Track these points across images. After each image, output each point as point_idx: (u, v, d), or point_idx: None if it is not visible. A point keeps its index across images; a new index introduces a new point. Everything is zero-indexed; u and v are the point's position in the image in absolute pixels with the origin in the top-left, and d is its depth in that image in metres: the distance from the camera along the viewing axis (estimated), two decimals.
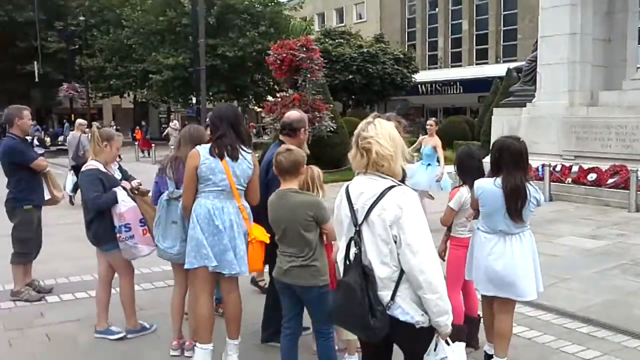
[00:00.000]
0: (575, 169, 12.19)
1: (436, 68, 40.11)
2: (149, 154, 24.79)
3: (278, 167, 3.58)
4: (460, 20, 38.99)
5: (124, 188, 4.64)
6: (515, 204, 3.73)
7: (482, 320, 4.36)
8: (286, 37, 18.85)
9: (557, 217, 10.04)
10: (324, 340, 3.60)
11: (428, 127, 9.49)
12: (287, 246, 3.53)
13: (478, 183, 3.91)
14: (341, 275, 2.78)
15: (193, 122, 15.91)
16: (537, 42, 14.43)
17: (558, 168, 12.36)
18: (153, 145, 25.60)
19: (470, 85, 34.33)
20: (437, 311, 2.55)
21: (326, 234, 3.58)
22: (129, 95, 42.45)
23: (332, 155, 15.02)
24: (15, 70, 36.09)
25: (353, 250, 2.65)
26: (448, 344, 2.67)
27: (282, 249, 3.57)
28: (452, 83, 36.61)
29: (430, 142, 9.18)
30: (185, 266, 4.00)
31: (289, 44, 15.02)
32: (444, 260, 4.47)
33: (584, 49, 13.13)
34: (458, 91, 36.29)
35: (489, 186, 3.81)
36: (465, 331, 4.29)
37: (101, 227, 4.60)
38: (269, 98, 29.83)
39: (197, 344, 4.10)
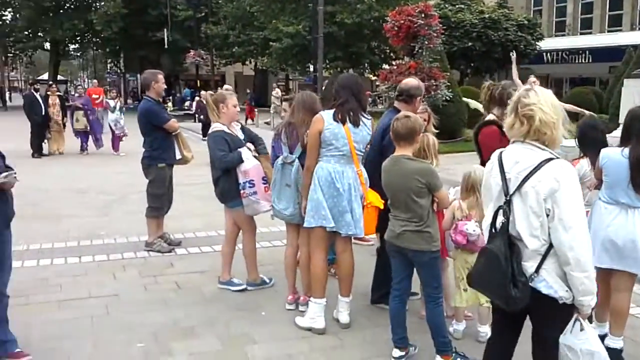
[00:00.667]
0: None
1: (563, 35, 37.70)
2: (252, 120, 25.63)
3: (394, 132, 3.66)
4: None
5: (248, 148, 4.92)
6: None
7: None
8: (404, 3, 18.52)
9: None
10: (433, 305, 3.68)
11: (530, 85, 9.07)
12: (399, 211, 3.63)
13: (604, 151, 3.78)
14: (484, 241, 2.81)
15: (306, 90, 16.26)
16: None
17: None
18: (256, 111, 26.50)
19: (600, 54, 31.99)
20: (583, 290, 2.53)
21: (437, 201, 3.64)
22: (250, 62, 43.83)
23: (447, 125, 14.68)
24: (147, 37, 38.48)
25: (500, 218, 2.65)
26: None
27: (395, 214, 3.67)
28: (580, 52, 34.29)
29: None
30: (304, 225, 4.23)
31: (408, 11, 14.78)
32: None
33: None
34: (587, 60, 33.96)
35: (616, 155, 3.68)
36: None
37: (227, 184, 4.91)
38: (385, 66, 29.71)
39: (312, 298, 4.35)
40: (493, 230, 2.70)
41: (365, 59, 32.49)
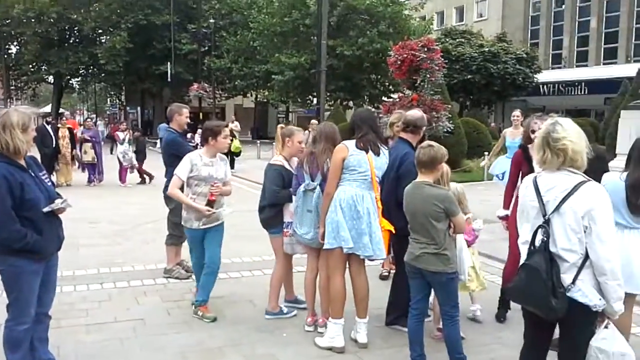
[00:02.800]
0: None
1: (560, 68, 38.46)
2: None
3: (418, 160, 4.00)
4: (589, 18, 37.11)
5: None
6: (635, 197, 3.89)
7: None
8: (407, 37, 19.07)
9: None
10: (450, 323, 3.95)
11: (513, 118, 9.33)
12: (419, 234, 3.93)
13: (605, 176, 4.07)
14: (523, 259, 3.11)
15: (315, 121, 16.60)
16: None
17: None
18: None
19: (596, 86, 32.60)
20: (616, 297, 2.87)
21: (454, 226, 3.94)
22: (251, 95, 44.50)
23: (448, 156, 15.09)
24: (150, 70, 39.16)
25: (540, 237, 2.96)
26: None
27: (415, 237, 3.97)
28: (576, 84, 34.93)
29: (517, 134, 8.80)
30: (325, 247, 4.50)
31: (411, 45, 15.25)
32: None
33: None
34: (583, 92, 34.57)
35: (614, 179, 3.98)
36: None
37: (271, 213, 5.17)
38: (385, 99, 30.23)
39: (331, 319, 4.60)
40: (532, 248, 3.01)
41: (365, 91, 33.07)
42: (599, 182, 4.10)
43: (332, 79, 29.05)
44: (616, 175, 4.02)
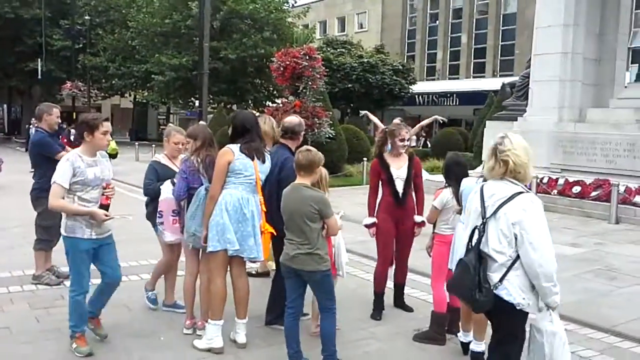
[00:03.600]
0: (561, 181, 12.77)
1: (434, 79, 40.76)
2: None
3: (297, 163, 4.14)
4: (460, 34, 39.71)
5: (173, 182, 5.10)
6: None
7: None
8: (290, 44, 19.33)
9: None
10: (327, 314, 4.15)
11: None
12: (294, 235, 4.07)
13: (464, 181, 4.47)
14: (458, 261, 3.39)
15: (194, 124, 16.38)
16: (530, 59, 15.03)
17: (545, 180, 12.94)
18: (153, 145, 26.05)
19: (466, 97, 34.95)
20: (550, 294, 3.16)
21: (327, 228, 4.13)
22: (129, 95, 42.90)
23: (329, 161, 15.48)
24: (19, 67, 36.54)
25: (476, 237, 3.25)
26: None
27: (290, 237, 4.11)
28: (448, 95, 37.24)
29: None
30: (208, 249, 4.51)
31: (293, 52, 15.53)
32: (430, 256, 5.03)
33: (574, 68, 13.74)
34: (454, 103, 36.91)
35: (471, 183, 4.38)
36: (447, 318, 4.83)
37: (152, 209, 5.27)
38: (268, 104, 30.40)
39: (210, 320, 4.61)
40: (469, 246, 3.31)
41: (249, 95, 33.07)
42: (459, 185, 4.51)
43: (216, 81, 28.78)
44: (473, 179, 4.41)
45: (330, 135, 16.00)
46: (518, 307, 3.16)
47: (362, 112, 10.20)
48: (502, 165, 3.25)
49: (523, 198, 3.17)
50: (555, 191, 12.66)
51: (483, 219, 3.25)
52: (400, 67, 33.58)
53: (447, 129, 28.36)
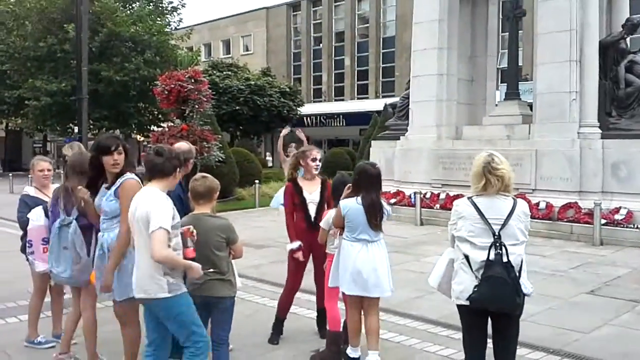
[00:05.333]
0: (442, 196, 13.46)
1: (320, 101, 41.61)
2: None
3: (193, 192, 4.07)
4: (343, 57, 40.93)
5: (45, 208, 4.94)
6: (374, 216, 4.53)
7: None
8: (174, 67, 18.97)
9: (426, 240, 11.20)
10: (222, 346, 4.09)
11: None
12: (201, 264, 3.90)
13: (343, 203, 4.61)
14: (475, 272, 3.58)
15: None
16: (410, 80, 15.76)
17: (428, 195, 13.59)
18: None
19: (352, 118, 35.93)
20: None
21: (234, 253, 4.13)
22: (1, 123, 40.10)
23: (221, 185, 15.34)
24: None
25: (494, 251, 3.51)
26: None
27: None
28: (335, 116, 38.12)
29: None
30: (121, 297, 4.14)
31: (177, 76, 15.24)
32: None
33: (450, 88, 14.60)
34: (341, 124, 37.84)
35: (353, 204, 4.55)
36: (342, 336, 4.92)
37: (25, 241, 5.07)
38: (154, 128, 29.58)
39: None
40: (489, 261, 3.52)
41: (133, 119, 31.97)
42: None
43: (96, 106, 27.59)
44: (352, 200, 4.59)
45: (220, 158, 15.84)
46: (528, 296, 3.66)
47: (283, 130, 9.49)
48: (499, 181, 3.61)
49: (521, 204, 3.67)
50: (437, 205, 13.30)
51: (494, 235, 3.55)
52: (288, 90, 33.98)
53: (336, 149, 29.15)
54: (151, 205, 3.56)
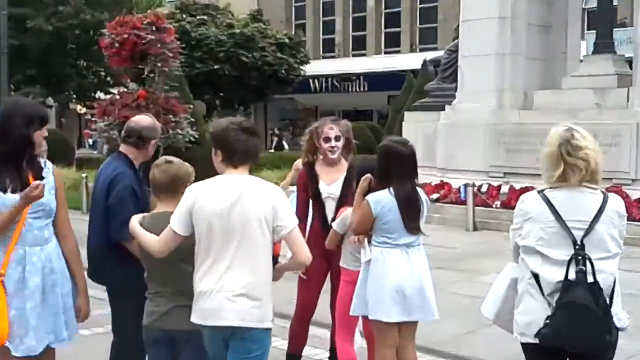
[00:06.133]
0: (505, 189, 13.39)
1: (333, 57, 41.33)
2: None
3: (153, 183, 4.06)
4: None
5: None
6: (413, 215, 4.56)
7: None
8: (128, 10, 18.92)
9: (482, 250, 11.19)
10: None
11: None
12: (161, 285, 3.97)
13: (374, 197, 4.57)
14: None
15: None
16: (458, 27, 15.65)
17: (484, 189, 13.56)
18: None
19: (377, 81, 35.63)
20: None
21: None
22: None
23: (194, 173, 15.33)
24: None
25: (574, 268, 3.42)
26: None
27: (155, 290, 4.00)
28: (353, 78, 37.84)
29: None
30: None
31: (133, 22, 15.21)
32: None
33: (516, 38, 14.47)
34: (362, 89, 37.60)
35: (388, 198, 4.53)
36: None
37: None
38: (100, 95, 29.58)
39: None
40: (567, 281, 3.44)
41: (71, 82, 31.97)
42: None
43: (20, 65, 27.64)
44: (385, 194, 4.57)
45: (192, 138, 15.84)
46: (623, 330, 3.58)
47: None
48: (582, 167, 3.50)
49: (614, 200, 3.59)
50: (497, 203, 13.24)
51: (575, 244, 3.47)
52: (287, 41, 33.79)
53: (354, 123, 28.84)
54: None
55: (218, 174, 3.84)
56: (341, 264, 5.05)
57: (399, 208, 4.52)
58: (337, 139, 5.35)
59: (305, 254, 3.79)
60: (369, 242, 4.69)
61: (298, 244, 3.81)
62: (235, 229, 3.70)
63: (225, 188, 3.76)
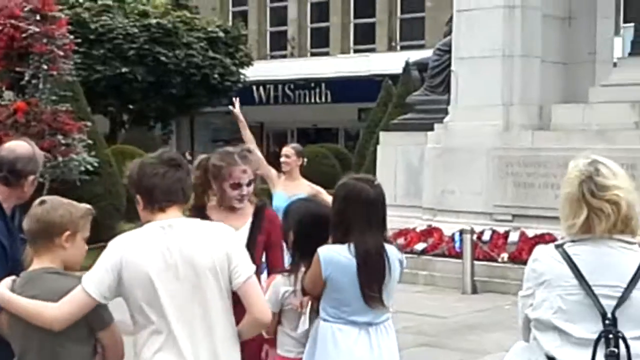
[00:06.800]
0: (514, 237, 13.49)
1: (284, 57, 41.57)
2: None
3: (26, 232, 4.04)
4: None
5: None
6: (373, 280, 4.51)
7: None
8: None
9: (483, 321, 11.26)
10: None
11: (284, 160, 9.95)
12: None
13: (325, 252, 4.53)
14: None
15: None
16: (451, 18, 15.79)
17: (486, 237, 13.64)
18: None
19: (344, 90, 35.80)
20: None
21: (103, 349, 4.00)
22: None
23: (90, 215, 15.17)
24: None
25: (604, 350, 3.36)
26: None
27: None
28: (312, 85, 38.02)
29: (291, 187, 9.48)
30: None
31: (10, 9, 15.19)
32: None
33: (528, 34, 14.63)
34: (324, 100, 37.75)
35: (342, 256, 4.50)
36: None
37: None
38: None
39: None
40: None
41: None
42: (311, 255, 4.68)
43: None
44: (341, 249, 4.54)
45: (89, 167, 15.74)
46: None
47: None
48: (610, 214, 3.42)
49: None
50: (504, 256, 13.28)
51: (605, 318, 3.42)
52: (221, 35, 33.94)
53: (314, 147, 28.92)
54: None
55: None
56: (278, 351, 4.99)
57: (357, 271, 4.50)
58: (249, 184, 5.32)
59: (262, 309, 3.85)
60: (313, 310, 4.67)
61: (254, 296, 3.83)
62: (185, 288, 3.72)
63: (160, 237, 3.77)
